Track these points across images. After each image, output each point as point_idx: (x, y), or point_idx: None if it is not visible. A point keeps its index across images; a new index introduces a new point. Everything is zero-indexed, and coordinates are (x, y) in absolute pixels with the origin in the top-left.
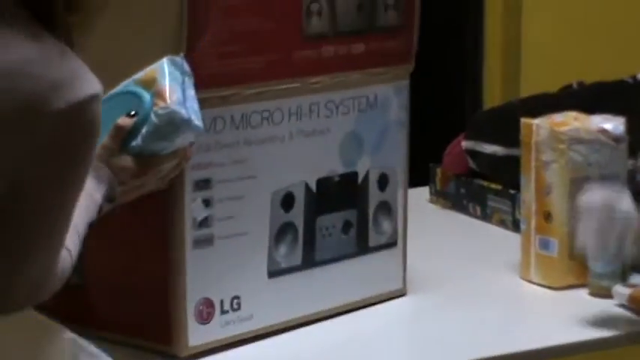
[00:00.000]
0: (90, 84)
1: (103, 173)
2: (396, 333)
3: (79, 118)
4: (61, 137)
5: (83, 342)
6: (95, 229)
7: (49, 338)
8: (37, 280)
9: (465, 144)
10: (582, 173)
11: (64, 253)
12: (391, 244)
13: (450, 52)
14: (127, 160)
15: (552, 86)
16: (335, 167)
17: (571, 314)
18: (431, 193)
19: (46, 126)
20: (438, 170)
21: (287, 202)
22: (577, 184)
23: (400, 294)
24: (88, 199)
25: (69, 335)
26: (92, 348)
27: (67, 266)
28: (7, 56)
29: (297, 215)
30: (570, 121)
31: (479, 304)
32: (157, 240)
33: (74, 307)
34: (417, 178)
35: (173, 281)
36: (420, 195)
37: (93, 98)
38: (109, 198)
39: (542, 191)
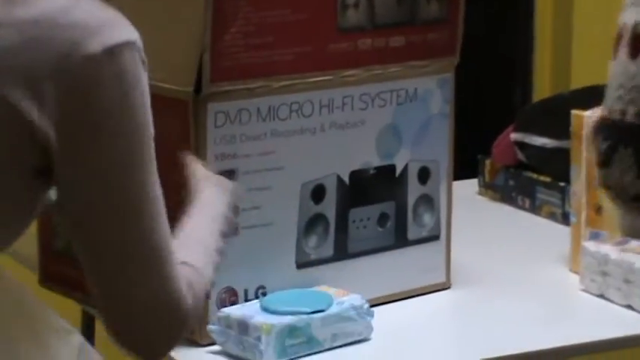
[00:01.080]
0: (127, 31)
1: (225, 182)
2: (438, 325)
3: (113, 61)
4: (96, 80)
5: (90, 347)
6: None
7: (60, 341)
8: (153, 304)
9: (514, 136)
10: None
11: (186, 270)
12: (433, 237)
13: (500, 43)
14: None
15: (603, 78)
16: (370, 160)
17: (622, 307)
18: (479, 185)
19: (81, 69)
20: (487, 162)
21: (317, 193)
22: None
23: (443, 287)
24: (210, 208)
25: (79, 339)
26: (97, 355)
27: (198, 286)
28: (46, 4)
29: (329, 207)
30: None
31: (527, 297)
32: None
33: None
34: (465, 171)
35: None
36: (468, 187)
37: (129, 44)
38: (235, 209)
39: (593, 183)
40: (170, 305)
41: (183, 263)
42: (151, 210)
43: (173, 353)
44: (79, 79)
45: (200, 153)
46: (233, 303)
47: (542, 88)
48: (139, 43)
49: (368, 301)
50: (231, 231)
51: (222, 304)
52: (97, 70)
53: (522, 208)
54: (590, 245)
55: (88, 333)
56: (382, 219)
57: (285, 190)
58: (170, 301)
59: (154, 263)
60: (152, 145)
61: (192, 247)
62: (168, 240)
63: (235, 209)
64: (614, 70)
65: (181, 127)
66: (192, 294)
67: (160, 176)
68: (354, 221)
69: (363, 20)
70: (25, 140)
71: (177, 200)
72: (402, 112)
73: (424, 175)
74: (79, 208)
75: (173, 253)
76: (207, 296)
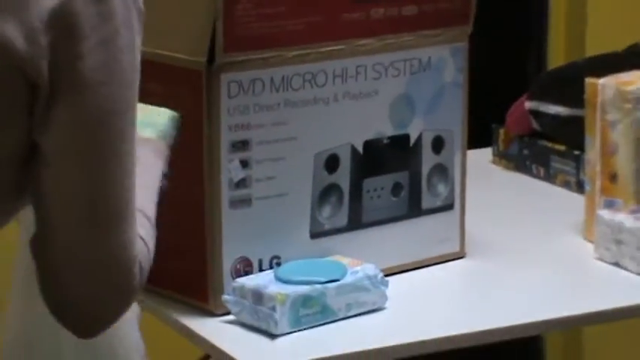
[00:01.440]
0: None
1: (161, 147)
2: (452, 295)
3: (102, 2)
4: (84, 19)
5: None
6: None
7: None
8: (109, 262)
9: (529, 104)
10: None
11: (140, 244)
12: (447, 207)
13: (514, 11)
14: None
15: (618, 46)
16: (384, 129)
17: (636, 275)
18: (493, 154)
19: (71, 6)
20: (501, 131)
21: (331, 163)
22: None
23: (458, 256)
24: (148, 174)
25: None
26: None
27: (145, 259)
28: None
29: (343, 177)
30: (637, 80)
31: (541, 266)
32: (194, 199)
33: None
34: (479, 140)
35: (210, 240)
36: (482, 156)
37: None
38: (165, 176)
39: (608, 151)
40: (125, 268)
41: (143, 217)
42: (125, 162)
43: (188, 322)
44: (69, 17)
45: (213, 123)
46: (247, 273)
47: (557, 56)
48: None
49: (382, 270)
50: (162, 198)
51: (237, 274)
52: (86, 8)
53: (536, 176)
54: (605, 214)
55: None
56: (396, 189)
57: (299, 161)
58: (126, 263)
59: (118, 219)
60: (136, 95)
61: (140, 217)
62: (133, 201)
63: (165, 176)
64: None
65: (194, 98)
66: (139, 267)
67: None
68: (367, 191)
69: None
70: (15, 77)
71: (188, 172)
72: (415, 82)
73: (438, 144)
74: (52, 149)
75: (135, 217)
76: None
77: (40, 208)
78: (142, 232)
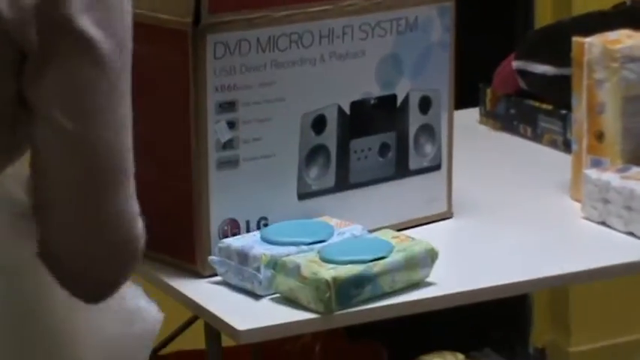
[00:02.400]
0: None
1: None
2: (440, 255)
3: None
4: None
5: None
6: None
7: None
8: (114, 222)
9: (516, 64)
10: (635, 91)
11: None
12: (434, 167)
13: None
14: None
15: (604, 4)
16: (371, 90)
17: (623, 234)
18: (480, 114)
19: None
20: (488, 91)
21: (318, 124)
22: (630, 102)
23: (445, 216)
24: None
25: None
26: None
27: (139, 231)
28: None
29: (330, 138)
30: (623, 38)
31: (528, 225)
32: (180, 160)
33: None
34: (466, 99)
35: (197, 201)
36: (469, 116)
37: None
38: None
39: (594, 110)
40: (129, 224)
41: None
42: (120, 116)
43: (175, 284)
44: None
45: (200, 85)
46: (235, 234)
47: (544, 15)
48: None
49: (370, 231)
50: None
51: (224, 236)
52: None
53: (524, 136)
54: (592, 173)
55: None
56: (383, 149)
57: (286, 122)
58: (130, 218)
59: (116, 173)
60: (130, 55)
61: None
62: (131, 155)
63: None
64: None
65: (180, 59)
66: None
67: (159, 108)
68: (355, 152)
69: None
70: (1, 41)
71: (175, 133)
72: (402, 42)
73: (425, 104)
74: (45, 103)
75: (132, 172)
76: None
77: (37, 171)
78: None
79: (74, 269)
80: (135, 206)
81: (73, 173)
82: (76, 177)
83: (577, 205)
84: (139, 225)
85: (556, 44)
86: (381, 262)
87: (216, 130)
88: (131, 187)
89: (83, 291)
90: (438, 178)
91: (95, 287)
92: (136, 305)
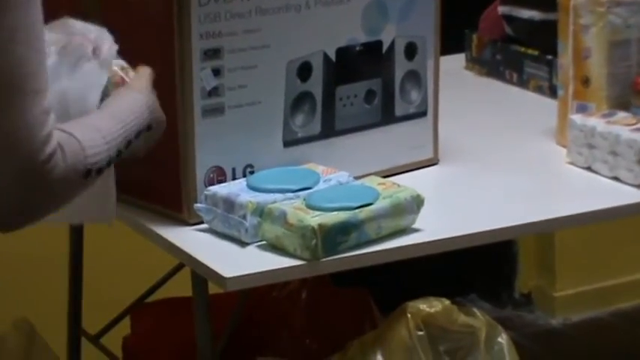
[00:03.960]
0: None
1: (152, 101)
2: (426, 201)
3: None
4: None
5: None
6: None
7: None
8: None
9: (502, 9)
10: (621, 36)
11: (62, 136)
12: (420, 114)
13: None
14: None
15: None
16: (356, 36)
17: (608, 179)
18: (466, 60)
19: None
20: (474, 36)
21: (304, 71)
22: (616, 47)
23: (431, 163)
24: (123, 111)
25: None
26: None
27: (72, 155)
28: None
29: (315, 84)
30: None
31: (514, 171)
32: (166, 109)
33: None
34: (452, 45)
35: (183, 149)
36: (455, 62)
37: None
38: (149, 126)
39: (580, 56)
40: (27, 150)
41: (64, 131)
42: (13, 33)
43: (162, 232)
44: None
45: (184, 32)
46: (221, 182)
47: None
48: None
49: (356, 178)
50: (134, 138)
51: (210, 183)
52: None
53: (510, 82)
54: (577, 118)
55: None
56: (369, 96)
57: (271, 69)
58: (29, 144)
59: (9, 93)
60: None
61: (84, 126)
62: (35, 79)
63: (146, 124)
64: None
65: (164, 6)
66: (61, 156)
67: (143, 56)
68: (340, 99)
69: None
70: None
71: (160, 81)
72: None
73: (411, 50)
74: None
75: (41, 98)
76: (87, 175)
77: None
78: (78, 133)
79: None
80: (41, 133)
81: None
82: None
83: (562, 151)
84: (47, 155)
85: None
86: (367, 208)
87: (202, 77)
88: (33, 111)
89: None
90: (423, 124)
91: (3, 215)
92: None
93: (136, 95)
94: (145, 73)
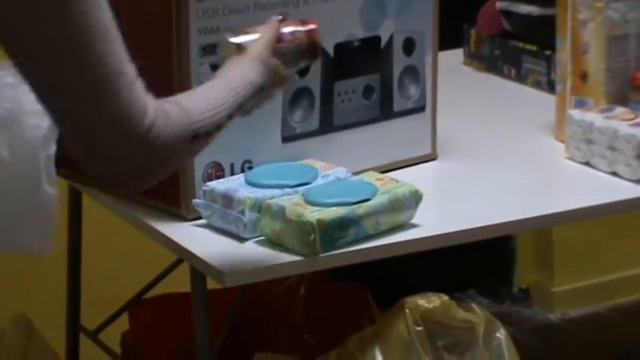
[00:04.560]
0: None
1: (265, 65)
2: (424, 197)
3: None
4: None
5: None
6: None
7: None
8: (110, 125)
9: (500, 4)
10: (620, 31)
11: (166, 105)
12: (419, 109)
13: None
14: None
15: None
16: (355, 32)
17: (607, 174)
18: (465, 56)
19: None
20: (472, 32)
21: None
22: (614, 42)
23: (430, 158)
24: (232, 76)
25: None
26: None
27: (177, 122)
28: None
29: (313, 80)
30: None
31: (512, 166)
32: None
33: None
34: (450, 41)
35: None
36: (453, 57)
37: None
38: (261, 88)
39: (579, 51)
40: (128, 124)
41: (169, 101)
42: (96, 38)
43: (160, 227)
44: None
45: (182, 27)
46: (219, 178)
47: None
48: None
49: (354, 173)
50: (248, 105)
51: (209, 179)
52: None
53: (508, 77)
54: (575, 113)
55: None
56: (367, 91)
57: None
58: (128, 121)
59: (105, 88)
60: None
61: (193, 95)
62: (119, 65)
63: (263, 90)
64: None
65: (163, 2)
66: (163, 123)
67: (140, 51)
68: (339, 94)
69: None
70: None
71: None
72: None
73: (409, 46)
74: (22, 46)
75: (128, 81)
76: (194, 139)
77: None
78: (185, 101)
79: (99, 164)
80: (136, 110)
81: (58, 85)
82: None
83: (561, 146)
84: (144, 127)
85: None
86: (366, 204)
87: (200, 73)
88: (128, 87)
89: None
90: (422, 119)
91: (122, 179)
92: None
93: (248, 63)
94: (264, 37)
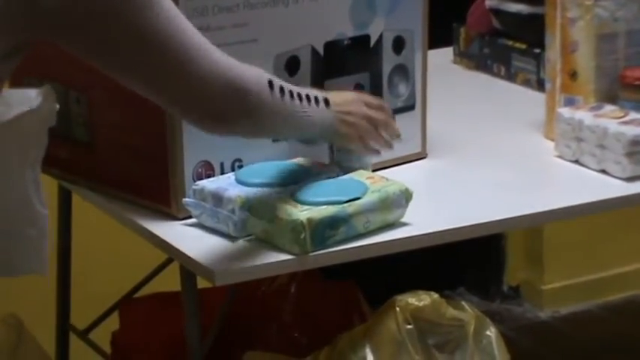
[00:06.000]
0: None
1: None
2: (414, 195)
3: None
4: None
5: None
6: (101, 81)
7: None
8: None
9: (489, 3)
10: (609, 29)
11: (244, 72)
12: (408, 107)
13: None
14: None
15: None
16: (344, 30)
17: (596, 172)
18: (454, 54)
19: None
20: (462, 30)
21: (292, 65)
22: (603, 40)
23: (420, 157)
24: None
25: None
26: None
27: (260, 78)
28: None
29: (303, 79)
30: None
31: (502, 164)
32: (155, 102)
33: (84, 164)
34: (440, 39)
35: (171, 143)
36: (443, 56)
37: None
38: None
39: (568, 49)
40: (219, 85)
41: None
42: (173, 28)
43: (150, 226)
44: None
45: None
46: (209, 176)
47: None
48: None
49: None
50: (313, 105)
51: (199, 178)
52: None
53: (497, 75)
54: (565, 111)
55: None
56: (357, 90)
57: (259, 63)
58: (220, 82)
59: (185, 59)
60: None
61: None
62: (193, 40)
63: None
64: None
65: None
66: (254, 84)
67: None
68: None
69: None
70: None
71: None
72: None
73: (399, 44)
74: (109, 52)
75: (209, 51)
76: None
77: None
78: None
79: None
80: (223, 74)
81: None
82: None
83: (550, 144)
84: (235, 87)
85: None
86: (356, 202)
87: None
88: (209, 62)
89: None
90: (412, 118)
91: (217, 117)
92: None
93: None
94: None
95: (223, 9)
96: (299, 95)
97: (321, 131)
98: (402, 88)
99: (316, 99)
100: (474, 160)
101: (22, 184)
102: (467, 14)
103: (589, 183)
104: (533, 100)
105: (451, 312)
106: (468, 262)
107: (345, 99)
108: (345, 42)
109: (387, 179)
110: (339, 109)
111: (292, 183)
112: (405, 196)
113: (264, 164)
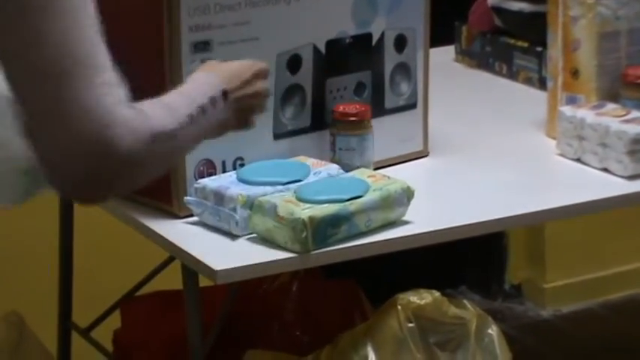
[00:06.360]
0: None
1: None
2: (416, 193)
3: None
4: None
5: None
6: None
7: None
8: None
9: (491, 1)
10: (611, 28)
11: (130, 112)
12: (410, 106)
13: None
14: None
15: None
16: (346, 29)
17: (598, 171)
18: (456, 52)
19: None
20: (464, 28)
21: (293, 64)
22: (605, 39)
23: (422, 155)
24: (191, 85)
25: None
26: None
27: (139, 127)
28: None
29: (305, 77)
30: None
31: (504, 163)
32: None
33: None
34: (441, 37)
35: None
36: (445, 54)
37: None
38: (224, 92)
39: (570, 47)
40: (92, 123)
41: (134, 107)
42: (65, 17)
43: (152, 225)
44: None
45: (174, 24)
46: (211, 175)
47: None
48: None
49: (345, 170)
50: (211, 111)
51: (200, 176)
52: None
53: (499, 74)
54: (567, 110)
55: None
56: (359, 88)
57: (261, 61)
58: (92, 117)
59: (70, 72)
60: None
61: (156, 104)
62: (91, 57)
63: (225, 93)
64: None
65: None
66: (125, 128)
67: (130, 49)
68: (330, 91)
69: None
70: None
71: (149, 74)
72: None
73: (400, 43)
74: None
75: (103, 75)
76: (154, 141)
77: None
78: (149, 108)
79: (49, 161)
80: (103, 107)
81: (24, 72)
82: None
83: (552, 143)
84: (111, 129)
85: None
86: (358, 201)
87: (192, 70)
88: (99, 81)
89: (62, 186)
90: (413, 116)
91: (76, 185)
92: None
93: (203, 74)
94: (232, 65)
95: (225, 7)
96: (202, 109)
97: (218, 131)
98: (404, 87)
99: (213, 100)
100: (475, 158)
101: None
102: (469, 12)
103: (591, 181)
104: (534, 99)
105: (453, 310)
106: (470, 260)
107: (238, 76)
108: (347, 40)
109: (388, 177)
110: (233, 96)
111: (294, 181)
112: (407, 195)
113: (266, 162)
